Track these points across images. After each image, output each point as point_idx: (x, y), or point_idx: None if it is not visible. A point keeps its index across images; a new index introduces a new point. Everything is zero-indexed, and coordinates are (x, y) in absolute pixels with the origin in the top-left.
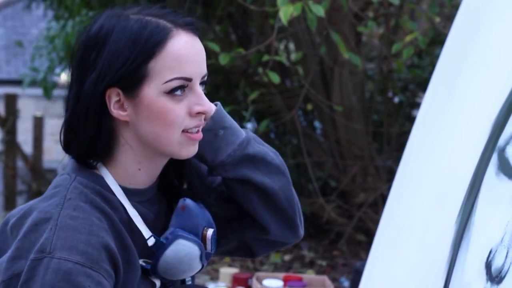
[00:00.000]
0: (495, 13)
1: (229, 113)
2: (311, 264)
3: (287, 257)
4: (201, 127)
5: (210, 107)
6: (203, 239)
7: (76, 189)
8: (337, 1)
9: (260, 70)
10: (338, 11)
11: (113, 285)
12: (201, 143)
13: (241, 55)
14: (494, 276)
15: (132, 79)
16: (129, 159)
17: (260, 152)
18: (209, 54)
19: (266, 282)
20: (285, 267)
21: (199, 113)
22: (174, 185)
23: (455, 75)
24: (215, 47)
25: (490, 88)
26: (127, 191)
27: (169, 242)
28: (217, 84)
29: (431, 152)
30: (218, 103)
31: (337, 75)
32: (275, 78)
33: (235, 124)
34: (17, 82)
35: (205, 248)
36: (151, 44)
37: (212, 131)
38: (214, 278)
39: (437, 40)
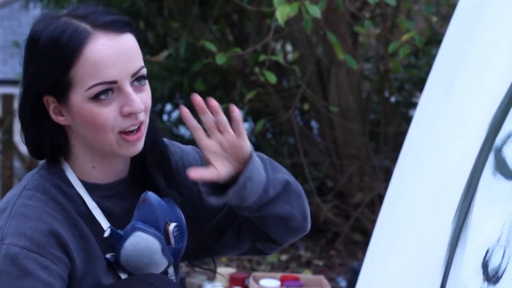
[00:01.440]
0: (492, 12)
1: (225, 112)
2: (308, 264)
3: (284, 257)
4: (139, 125)
5: (139, 106)
6: (165, 233)
7: (35, 181)
8: (333, 1)
9: (257, 70)
10: (335, 11)
11: (68, 271)
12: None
13: (238, 55)
14: (491, 275)
15: (58, 88)
16: (82, 158)
17: (279, 188)
18: (206, 53)
19: (263, 282)
20: (282, 267)
21: (130, 113)
22: (148, 181)
23: (452, 75)
24: (212, 47)
25: (487, 88)
26: (87, 185)
27: (127, 234)
28: (214, 84)
29: (428, 152)
30: (250, 161)
31: (333, 75)
32: (271, 78)
33: (257, 170)
34: (14, 82)
35: (168, 243)
36: (68, 53)
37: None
38: (211, 278)
39: (434, 39)
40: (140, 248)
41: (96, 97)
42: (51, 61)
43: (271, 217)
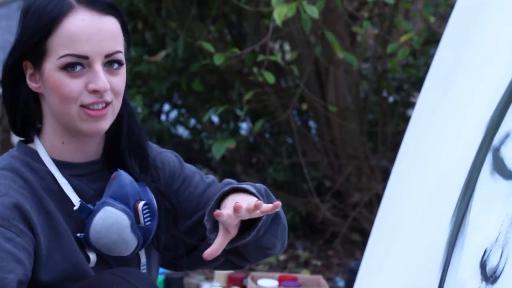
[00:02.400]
0: (490, 13)
1: (223, 113)
2: (306, 264)
3: (282, 257)
4: (104, 104)
5: (104, 85)
6: (135, 211)
7: (5, 161)
8: (332, 1)
9: (255, 70)
10: (333, 11)
11: (33, 245)
12: None
13: (236, 55)
14: (488, 275)
15: (35, 53)
16: (52, 132)
17: (269, 221)
18: (204, 54)
19: (261, 282)
20: (280, 267)
21: (95, 90)
22: (122, 166)
23: (449, 75)
24: (209, 47)
25: (485, 87)
26: (57, 163)
27: (97, 209)
28: (212, 84)
29: (426, 151)
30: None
31: (332, 75)
32: (270, 78)
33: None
34: None
35: (138, 221)
36: (49, 21)
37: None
38: (209, 278)
39: (432, 39)
40: (109, 223)
41: (65, 68)
42: (34, 27)
43: (253, 245)
